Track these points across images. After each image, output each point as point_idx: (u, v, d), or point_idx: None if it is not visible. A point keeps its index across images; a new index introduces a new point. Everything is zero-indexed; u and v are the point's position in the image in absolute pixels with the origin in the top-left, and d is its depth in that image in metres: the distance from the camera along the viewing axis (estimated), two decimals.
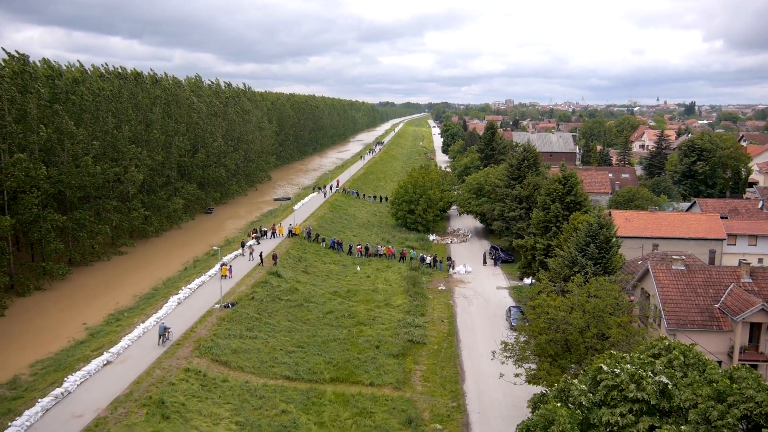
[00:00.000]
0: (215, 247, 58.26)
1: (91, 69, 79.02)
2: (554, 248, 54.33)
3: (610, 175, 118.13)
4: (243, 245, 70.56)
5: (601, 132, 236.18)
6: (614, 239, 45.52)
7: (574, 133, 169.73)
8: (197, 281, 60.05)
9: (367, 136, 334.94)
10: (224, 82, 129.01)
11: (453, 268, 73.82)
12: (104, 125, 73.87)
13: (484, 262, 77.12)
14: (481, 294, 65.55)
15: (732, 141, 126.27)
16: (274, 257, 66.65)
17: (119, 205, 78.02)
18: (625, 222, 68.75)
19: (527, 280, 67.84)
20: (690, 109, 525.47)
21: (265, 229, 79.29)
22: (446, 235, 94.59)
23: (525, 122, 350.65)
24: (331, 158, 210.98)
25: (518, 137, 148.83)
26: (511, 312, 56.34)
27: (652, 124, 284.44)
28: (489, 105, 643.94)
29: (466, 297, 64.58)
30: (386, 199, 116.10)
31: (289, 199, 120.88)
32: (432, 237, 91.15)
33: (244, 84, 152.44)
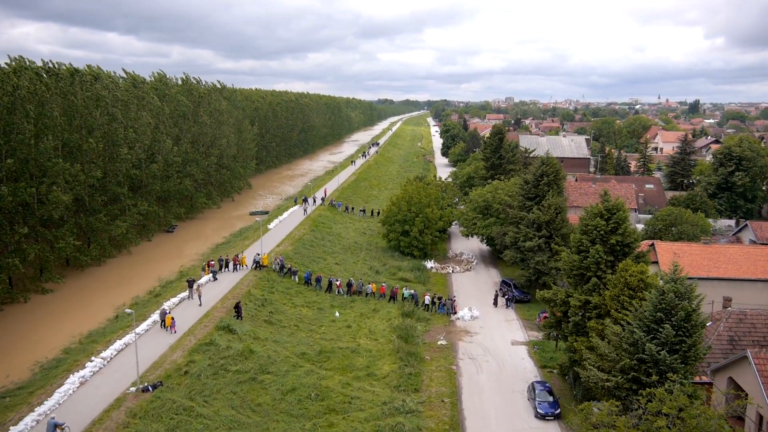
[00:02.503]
0: (128, 310, 43.40)
1: (7, 63, 64.10)
2: (596, 307, 39.79)
3: (632, 185, 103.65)
4: (190, 285, 55.74)
5: (611, 133, 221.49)
6: (697, 315, 30.94)
7: (587, 137, 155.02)
8: (120, 342, 45.48)
9: (364, 136, 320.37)
10: (194, 78, 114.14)
11: (456, 313, 59.22)
12: (20, 135, 58.85)
13: (495, 303, 62.56)
14: (493, 353, 50.96)
15: None
16: (237, 308, 51.89)
17: (43, 231, 63.22)
18: (672, 258, 54.09)
19: None
20: (694, 108, 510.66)
21: (225, 259, 64.50)
22: (447, 260, 79.95)
23: (527, 121, 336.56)
24: (321, 162, 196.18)
25: (526, 141, 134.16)
26: (536, 391, 41.79)
27: (663, 124, 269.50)
28: (489, 103, 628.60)
29: (473, 358, 49.97)
30: (378, 213, 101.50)
31: (267, 213, 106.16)
32: (430, 264, 76.54)
33: (218, 82, 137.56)
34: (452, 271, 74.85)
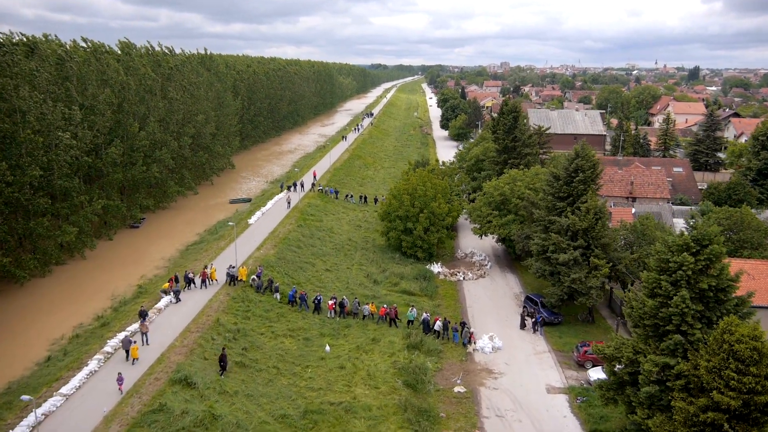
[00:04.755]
0: (25, 397, 31.46)
1: None
2: (680, 376, 28.79)
3: (661, 169, 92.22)
4: (142, 316, 44.22)
5: (618, 104, 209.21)
6: None
7: (601, 111, 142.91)
8: (45, 408, 34.28)
9: (357, 104, 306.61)
10: (167, 48, 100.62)
11: (473, 343, 48.21)
12: None
13: (522, 325, 51.63)
14: (525, 406, 40.06)
15: None
16: (222, 361, 40.35)
17: None
18: (747, 281, 43.08)
19: (595, 375, 42.60)
20: (694, 74, 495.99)
21: (191, 275, 52.98)
22: (456, 263, 68.77)
23: (526, 89, 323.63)
24: (312, 135, 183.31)
25: (536, 117, 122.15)
26: None
27: (666, 91, 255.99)
28: (485, 68, 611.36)
29: (501, 416, 39.08)
30: (376, 201, 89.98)
31: (249, 200, 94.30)
32: (437, 269, 65.40)
33: (205, 49, 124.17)
34: (463, 278, 63.70)
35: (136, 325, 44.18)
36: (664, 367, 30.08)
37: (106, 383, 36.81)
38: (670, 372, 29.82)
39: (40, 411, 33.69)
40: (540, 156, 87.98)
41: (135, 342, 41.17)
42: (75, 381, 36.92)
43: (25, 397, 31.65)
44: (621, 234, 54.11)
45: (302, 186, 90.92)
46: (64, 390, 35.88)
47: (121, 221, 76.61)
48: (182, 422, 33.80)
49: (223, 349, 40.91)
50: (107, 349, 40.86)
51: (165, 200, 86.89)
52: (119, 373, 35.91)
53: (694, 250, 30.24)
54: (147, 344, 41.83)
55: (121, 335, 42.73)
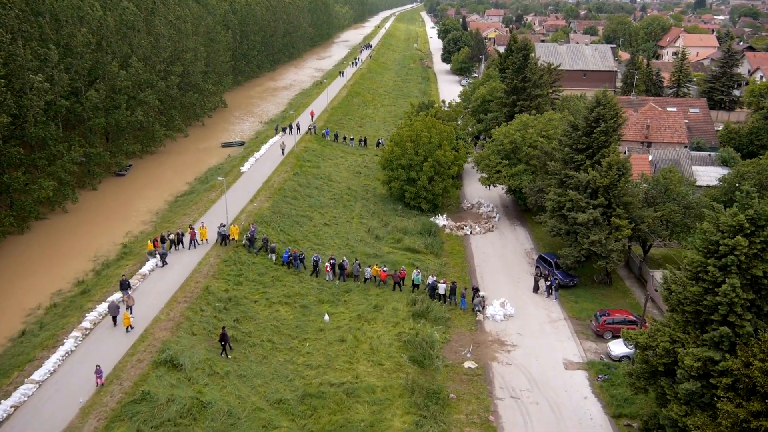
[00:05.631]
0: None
1: None
2: (726, 372, 25.38)
3: (677, 110, 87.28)
4: (123, 287, 40.45)
5: (626, 36, 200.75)
6: None
7: (612, 45, 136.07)
8: (19, 393, 31.08)
9: (354, 35, 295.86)
10: None
11: (483, 309, 44.80)
12: None
13: (536, 289, 48.15)
14: (542, 386, 36.94)
15: None
16: (223, 340, 36.82)
17: None
18: None
19: (617, 349, 39.43)
20: (701, 2, 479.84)
21: (179, 234, 49.01)
22: (462, 215, 64.94)
23: (529, 18, 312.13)
24: (308, 69, 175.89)
25: (544, 51, 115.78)
26: None
27: (674, 22, 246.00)
28: None
29: (516, 397, 35.98)
30: (378, 144, 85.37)
31: (242, 143, 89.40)
32: (442, 221, 61.64)
33: None
34: (470, 233, 59.94)
35: (118, 295, 40.51)
36: (707, 361, 26.56)
37: (83, 366, 33.45)
38: (714, 367, 26.33)
39: (9, 402, 30.41)
40: (550, 96, 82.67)
41: (128, 308, 37.84)
42: (49, 364, 33.51)
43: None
44: (642, 189, 49.98)
45: (298, 128, 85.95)
46: (36, 375, 32.51)
47: (105, 169, 71.99)
48: (167, 413, 30.55)
49: (223, 328, 37.27)
50: (85, 324, 37.35)
51: (152, 145, 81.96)
52: (97, 366, 32.29)
53: (749, 231, 26.20)
54: (132, 329, 38.20)
55: (102, 307, 39.18)
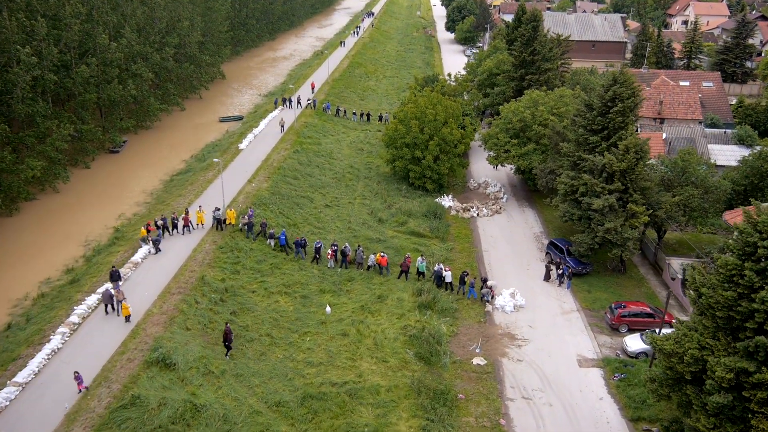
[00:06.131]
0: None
1: None
2: (761, 384, 23.39)
3: (691, 84, 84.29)
4: (113, 278, 38.31)
5: (635, 3, 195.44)
6: None
7: (622, 14, 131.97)
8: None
9: (356, 2, 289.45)
10: None
11: (492, 299, 42.76)
12: None
13: (547, 277, 46.02)
14: (555, 385, 35.06)
15: None
16: (227, 337, 34.75)
17: None
18: None
19: (633, 344, 37.48)
20: None
21: (173, 218, 46.77)
22: (468, 195, 62.65)
23: None
24: (309, 38, 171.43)
25: (552, 21, 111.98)
26: None
27: None
28: None
29: (528, 398, 34.13)
30: (381, 119, 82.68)
31: (240, 118, 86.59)
32: (447, 202, 59.38)
33: None
34: (477, 215, 57.67)
35: (108, 285, 38.43)
36: (740, 372, 24.51)
37: (70, 366, 31.44)
38: (748, 379, 24.30)
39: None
40: (560, 70, 79.69)
41: (119, 302, 35.83)
42: (33, 364, 31.58)
43: None
44: (660, 173, 47.55)
45: (299, 102, 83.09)
46: (20, 377, 30.58)
47: (98, 146, 69.34)
48: (158, 418, 28.72)
49: (227, 324, 35.29)
50: (73, 318, 35.31)
51: (147, 119, 79.10)
52: (76, 373, 30.17)
53: None
54: (117, 314, 36.23)
55: (91, 299, 37.17)
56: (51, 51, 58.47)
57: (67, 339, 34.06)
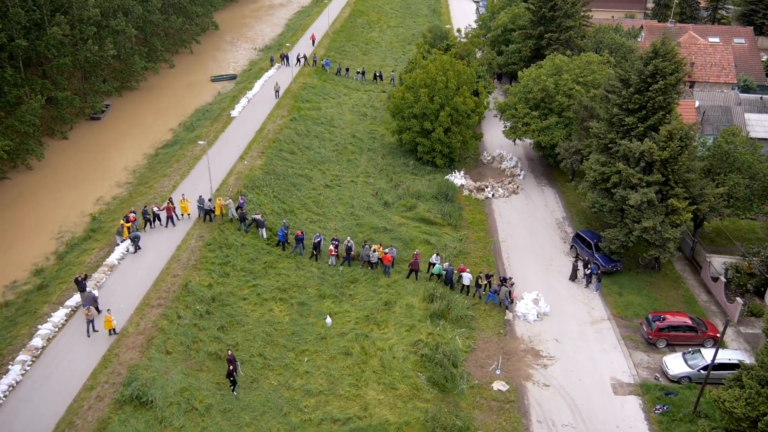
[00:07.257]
0: None
1: None
2: None
3: (721, 41, 77.78)
4: (80, 287, 33.54)
5: None
6: None
7: None
8: None
9: None
10: None
11: (512, 303, 38.10)
12: None
13: (573, 277, 41.22)
14: (587, 415, 30.79)
15: None
16: (232, 363, 30.20)
17: None
18: None
19: (675, 367, 32.99)
20: None
21: (154, 210, 41.67)
22: (481, 170, 57.45)
23: None
24: None
25: None
26: None
27: None
28: None
29: None
30: (388, 79, 76.38)
31: (234, 77, 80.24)
32: (459, 180, 54.23)
33: None
34: (492, 195, 52.50)
35: (75, 300, 33.77)
36: None
37: (29, 407, 27.05)
38: None
39: None
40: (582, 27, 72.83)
41: (89, 322, 31.33)
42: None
43: None
44: (704, 162, 42.15)
45: (298, 60, 76.70)
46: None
47: (78, 113, 63.41)
48: None
49: (229, 352, 30.71)
50: (36, 342, 30.71)
51: (132, 80, 72.88)
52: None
53: None
54: (95, 330, 31.65)
55: (58, 314, 32.52)
56: (17, 13, 51.92)
57: (27, 369, 29.53)
